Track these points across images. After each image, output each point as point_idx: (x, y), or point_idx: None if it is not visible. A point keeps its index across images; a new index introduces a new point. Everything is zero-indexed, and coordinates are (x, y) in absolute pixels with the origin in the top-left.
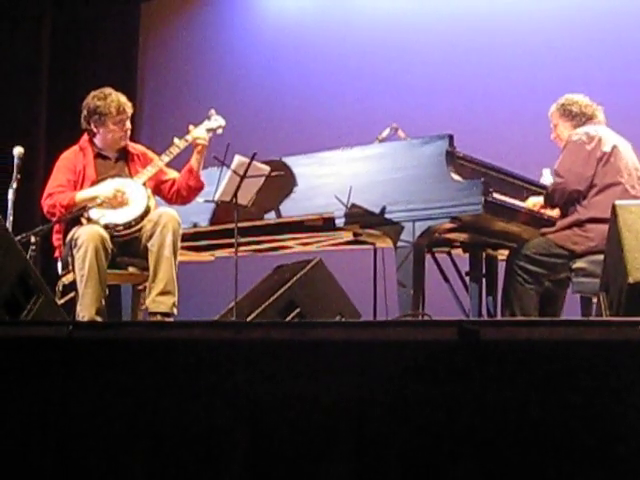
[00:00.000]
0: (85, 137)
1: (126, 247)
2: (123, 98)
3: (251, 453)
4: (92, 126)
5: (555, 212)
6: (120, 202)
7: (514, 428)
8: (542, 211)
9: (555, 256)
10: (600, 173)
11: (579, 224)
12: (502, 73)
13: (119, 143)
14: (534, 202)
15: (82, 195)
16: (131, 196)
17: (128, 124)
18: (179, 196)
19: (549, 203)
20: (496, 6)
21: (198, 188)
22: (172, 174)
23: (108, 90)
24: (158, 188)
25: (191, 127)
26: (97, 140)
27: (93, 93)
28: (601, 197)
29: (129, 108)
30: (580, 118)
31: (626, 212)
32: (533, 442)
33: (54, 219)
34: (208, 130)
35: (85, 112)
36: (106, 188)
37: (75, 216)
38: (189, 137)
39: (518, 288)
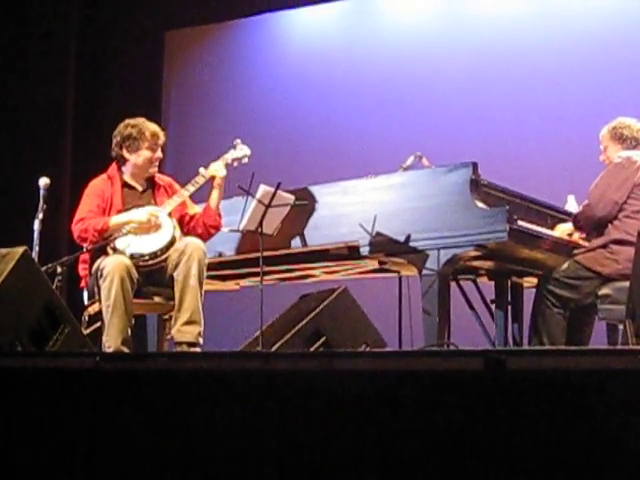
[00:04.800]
0: (114, 166)
1: (152, 277)
2: (157, 126)
3: None
4: (124, 151)
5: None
6: (154, 226)
7: (541, 458)
8: (572, 238)
9: (582, 279)
10: (634, 198)
11: (607, 245)
12: (526, 100)
13: (148, 170)
14: (562, 229)
15: (116, 219)
16: (162, 222)
17: (159, 153)
18: (195, 233)
19: (576, 226)
20: (519, 33)
21: (214, 226)
22: (195, 209)
23: (141, 119)
24: (178, 221)
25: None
26: (126, 168)
27: (127, 121)
28: (632, 221)
29: (162, 136)
30: (630, 142)
31: None
32: (560, 472)
33: (84, 244)
34: (234, 159)
35: (118, 138)
36: (139, 213)
37: (102, 246)
38: (209, 171)
39: (546, 312)
